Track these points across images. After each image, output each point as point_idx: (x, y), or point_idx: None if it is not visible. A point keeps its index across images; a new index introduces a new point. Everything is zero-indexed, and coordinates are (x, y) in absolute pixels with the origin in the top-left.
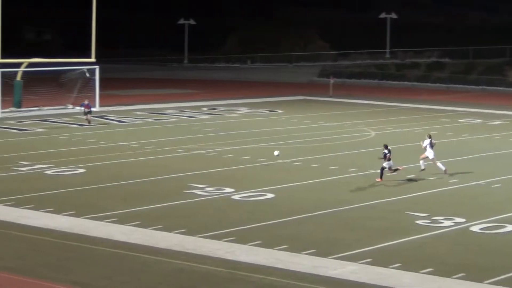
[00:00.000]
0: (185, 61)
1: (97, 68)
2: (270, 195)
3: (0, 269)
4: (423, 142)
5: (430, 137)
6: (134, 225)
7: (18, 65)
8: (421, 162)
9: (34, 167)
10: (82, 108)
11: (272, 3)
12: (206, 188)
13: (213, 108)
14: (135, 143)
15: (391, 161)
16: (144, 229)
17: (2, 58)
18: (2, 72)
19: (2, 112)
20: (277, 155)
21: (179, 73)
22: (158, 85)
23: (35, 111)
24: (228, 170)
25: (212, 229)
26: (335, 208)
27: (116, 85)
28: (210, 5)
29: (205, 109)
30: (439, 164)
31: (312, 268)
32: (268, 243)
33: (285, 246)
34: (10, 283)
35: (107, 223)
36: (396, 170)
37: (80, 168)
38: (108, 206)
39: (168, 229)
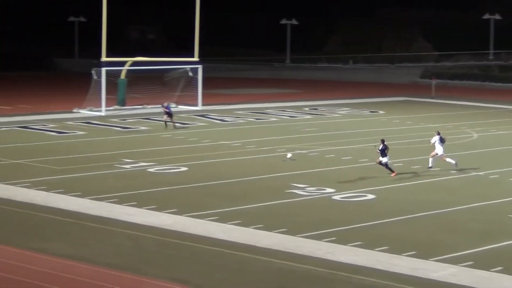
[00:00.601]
0: (287, 61)
1: (200, 67)
2: (371, 196)
3: (102, 265)
4: (432, 139)
5: (438, 133)
6: (235, 224)
7: (123, 63)
8: (430, 160)
9: (137, 165)
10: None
11: (374, 3)
12: (307, 188)
13: (314, 108)
14: (237, 142)
15: (387, 157)
16: (245, 228)
17: (107, 56)
18: (107, 71)
19: (106, 110)
20: (290, 157)
21: (281, 73)
22: (260, 84)
23: (139, 109)
24: (329, 170)
25: (313, 229)
26: (436, 210)
27: (218, 84)
28: (312, 5)
29: (306, 109)
30: (448, 159)
31: (412, 270)
32: (369, 244)
33: (385, 247)
34: (112, 279)
35: (208, 221)
36: (389, 168)
37: (182, 166)
38: (210, 205)
39: (268, 228)
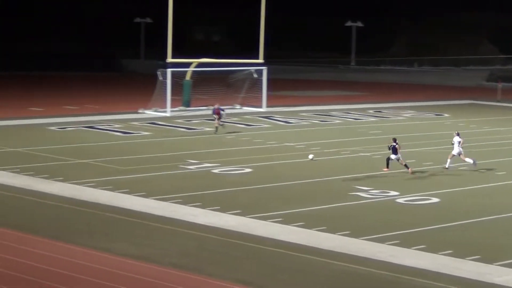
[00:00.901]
0: (352, 63)
1: (264, 69)
2: (435, 199)
3: (166, 265)
4: (453, 139)
5: (458, 134)
6: (298, 226)
7: (188, 65)
8: (448, 160)
9: (202, 166)
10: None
11: (440, 6)
12: (371, 191)
13: (379, 110)
14: (301, 144)
15: (399, 154)
16: (308, 230)
17: (173, 58)
18: (172, 72)
19: (171, 111)
20: (312, 159)
21: (346, 75)
22: (324, 86)
23: (203, 111)
24: (393, 173)
25: (376, 232)
26: (501, 214)
27: (283, 86)
28: (378, 7)
29: (371, 111)
30: (467, 159)
31: (477, 274)
32: (432, 248)
33: (449, 251)
34: (176, 279)
35: (271, 223)
36: (405, 165)
37: (246, 167)
38: (273, 206)
39: (331, 230)
